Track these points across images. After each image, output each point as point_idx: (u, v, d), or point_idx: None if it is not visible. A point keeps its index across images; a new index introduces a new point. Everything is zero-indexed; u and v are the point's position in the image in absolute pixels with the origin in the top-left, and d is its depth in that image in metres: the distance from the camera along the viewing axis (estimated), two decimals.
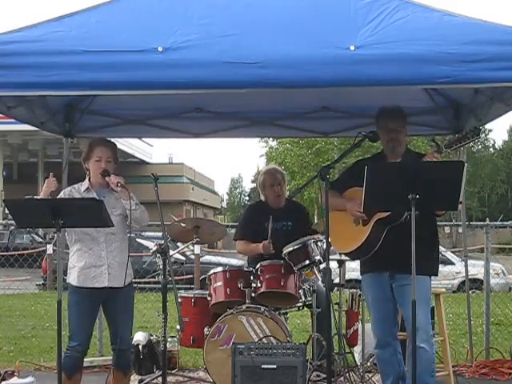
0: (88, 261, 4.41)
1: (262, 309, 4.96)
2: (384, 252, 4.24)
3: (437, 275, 4.49)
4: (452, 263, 13.92)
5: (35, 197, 4.60)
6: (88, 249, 4.43)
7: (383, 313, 4.46)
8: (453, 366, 5.62)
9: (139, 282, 9.65)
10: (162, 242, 4.32)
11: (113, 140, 4.76)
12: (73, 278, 4.44)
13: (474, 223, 7.50)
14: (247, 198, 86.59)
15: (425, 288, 4.31)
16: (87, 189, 4.52)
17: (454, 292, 12.80)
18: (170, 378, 5.44)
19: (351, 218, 4.40)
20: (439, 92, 5.72)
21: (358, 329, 5.58)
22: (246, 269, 5.30)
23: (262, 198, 5.77)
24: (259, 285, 5.01)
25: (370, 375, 5.51)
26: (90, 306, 4.44)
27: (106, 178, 4.43)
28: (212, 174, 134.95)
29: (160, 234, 5.32)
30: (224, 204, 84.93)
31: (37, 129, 5.90)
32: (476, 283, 11.08)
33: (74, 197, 4.46)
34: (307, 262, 4.98)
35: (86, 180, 4.57)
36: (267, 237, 5.28)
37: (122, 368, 4.57)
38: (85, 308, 4.42)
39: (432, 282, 4.47)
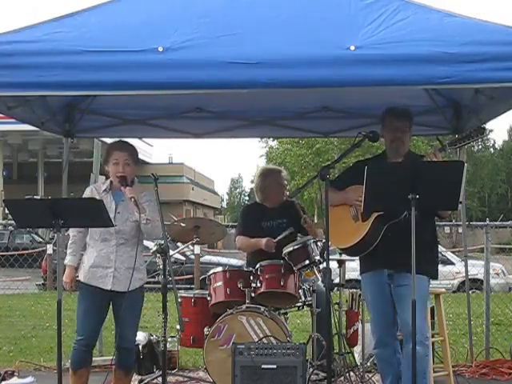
0: (97, 260, 4.49)
1: (262, 309, 4.95)
2: (383, 249, 4.23)
3: (436, 278, 4.46)
4: (452, 263, 13.91)
5: (35, 197, 4.63)
6: (99, 249, 4.50)
7: (382, 312, 4.44)
8: (453, 366, 5.62)
9: None
10: (162, 242, 4.32)
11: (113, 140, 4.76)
12: (81, 274, 4.54)
13: (474, 223, 7.49)
14: (247, 197, 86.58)
15: (422, 288, 4.20)
16: (106, 190, 4.58)
17: (454, 292, 12.79)
18: (170, 378, 5.45)
19: (350, 215, 4.39)
20: (439, 92, 5.71)
21: (358, 329, 5.58)
22: (245, 269, 5.30)
23: (258, 199, 5.73)
24: (259, 285, 5.00)
25: (369, 375, 5.52)
26: (95, 304, 4.49)
27: (122, 188, 4.46)
28: (212, 174, 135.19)
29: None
30: (224, 204, 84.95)
31: (37, 129, 5.90)
32: (476, 283, 11.06)
33: (94, 196, 4.48)
34: (307, 262, 4.98)
35: (108, 181, 4.62)
36: (265, 236, 5.33)
37: (123, 367, 4.60)
38: (90, 304, 4.48)
39: (432, 282, 4.45)
